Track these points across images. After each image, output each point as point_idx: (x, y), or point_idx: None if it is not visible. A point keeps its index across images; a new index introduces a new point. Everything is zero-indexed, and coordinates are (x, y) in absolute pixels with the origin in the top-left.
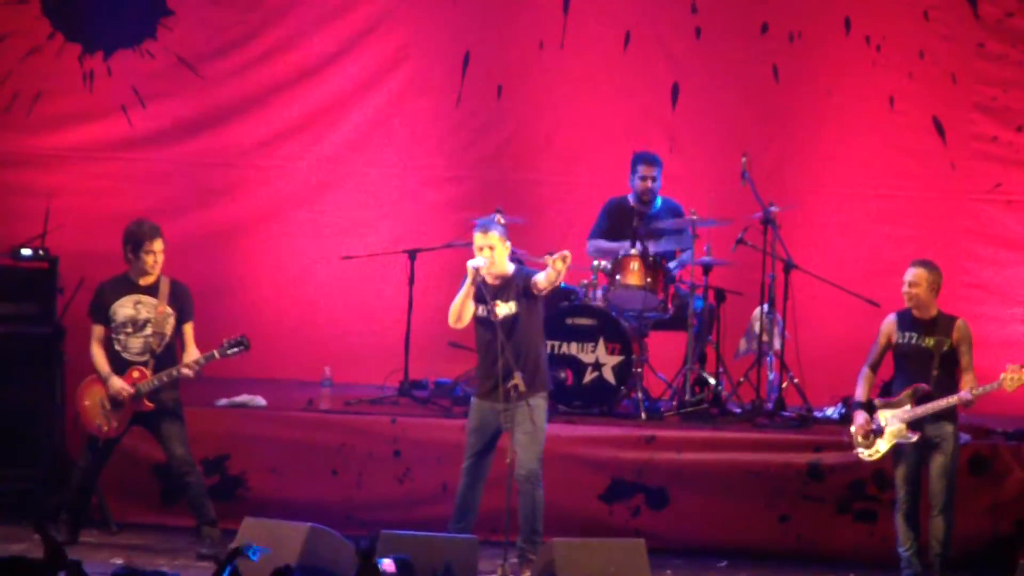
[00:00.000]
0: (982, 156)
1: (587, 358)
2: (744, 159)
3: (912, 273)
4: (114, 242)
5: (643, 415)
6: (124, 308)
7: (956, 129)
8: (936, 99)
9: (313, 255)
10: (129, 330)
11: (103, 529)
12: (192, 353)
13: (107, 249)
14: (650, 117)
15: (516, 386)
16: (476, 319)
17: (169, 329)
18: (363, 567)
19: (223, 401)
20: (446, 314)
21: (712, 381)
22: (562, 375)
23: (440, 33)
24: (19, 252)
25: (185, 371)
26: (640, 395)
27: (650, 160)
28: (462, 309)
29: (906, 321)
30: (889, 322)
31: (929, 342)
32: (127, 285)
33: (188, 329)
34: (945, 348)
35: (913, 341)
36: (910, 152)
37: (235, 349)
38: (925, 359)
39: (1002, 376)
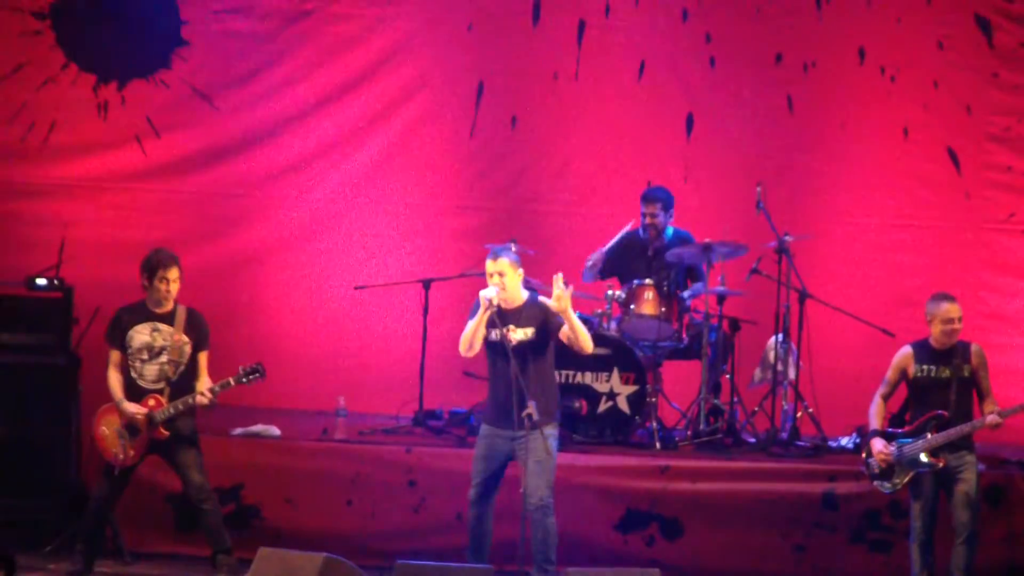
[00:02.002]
0: (996, 186)
1: (601, 388)
2: (759, 188)
3: (955, 310)
4: (128, 272)
5: (657, 445)
6: (141, 335)
7: (970, 159)
8: (950, 129)
9: (327, 285)
10: (145, 357)
11: (117, 559)
12: (205, 382)
13: (122, 279)
14: (665, 147)
15: (530, 415)
16: (488, 344)
17: (185, 357)
18: None
19: (238, 430)
20: (460, 343)
21: (726, 411)
22: (576, 405)
23: (454, 64)
24: (34, 282)
25: (200, 399)
26: (654, 425)
27: (650, 198)
28: (473, 337)
29: (923, 353)
30: (905, 354)
31: (946, 372)
32: (144, 312)
33: (203, 358)
34: (964, 374)
35: (932, 374)
36: (924, 182)
37: (251, 377)
38: (943, 389)
39: None
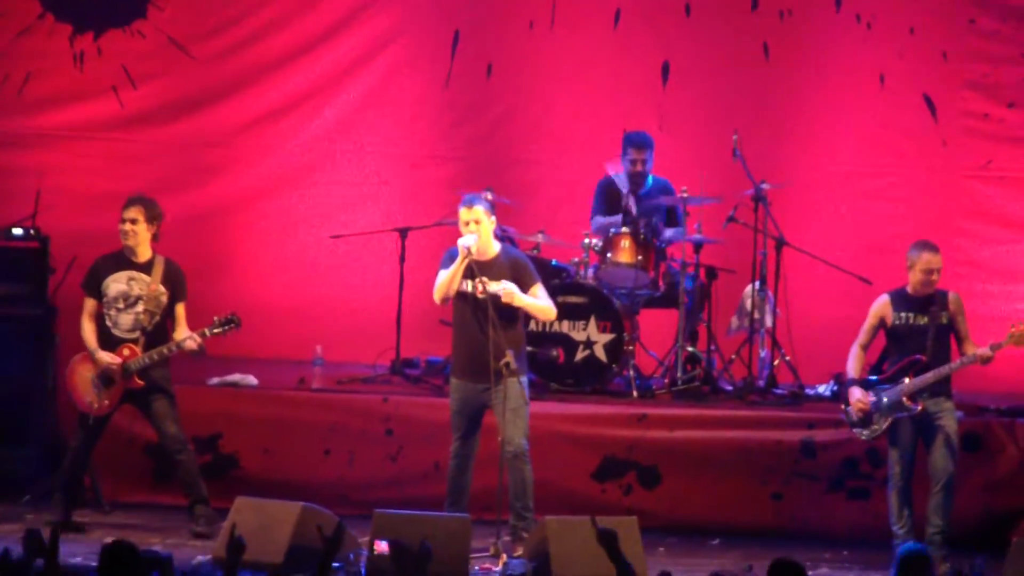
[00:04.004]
0: (973, 133)
1: (579, 336)
2: (735, 136)
3: (936, 260)
4: (105, 222)
5: (635, 393)
6: (117, 283)
7: (947, 106)
8: (927, 76)
9: (304, 234)
10: (120, 306)
11: (95, 508)
12: (184, 332)
13: (98, 229)
14: (641, 95)
15: (508, 363)
16: (459, 295)
17: (161, 308)
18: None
19: (215, 380)
20: (434, 291)
21: (703, 358)
22: (554, 353)
23: (430, 12)
24: (10, 232)
25: (189, 343)
26: (632, 373)
27: (640, 143)
28: (449, 286)
29: (901, 301)
30: (882, 303)
31: (923, 319)
32: (121, 261)
33: (180, 309)
34: (942, 321)
35: (910, 321)
36: (901, 129)
37: (226, 327)
38: (920, 336)
39: (1010, 332)
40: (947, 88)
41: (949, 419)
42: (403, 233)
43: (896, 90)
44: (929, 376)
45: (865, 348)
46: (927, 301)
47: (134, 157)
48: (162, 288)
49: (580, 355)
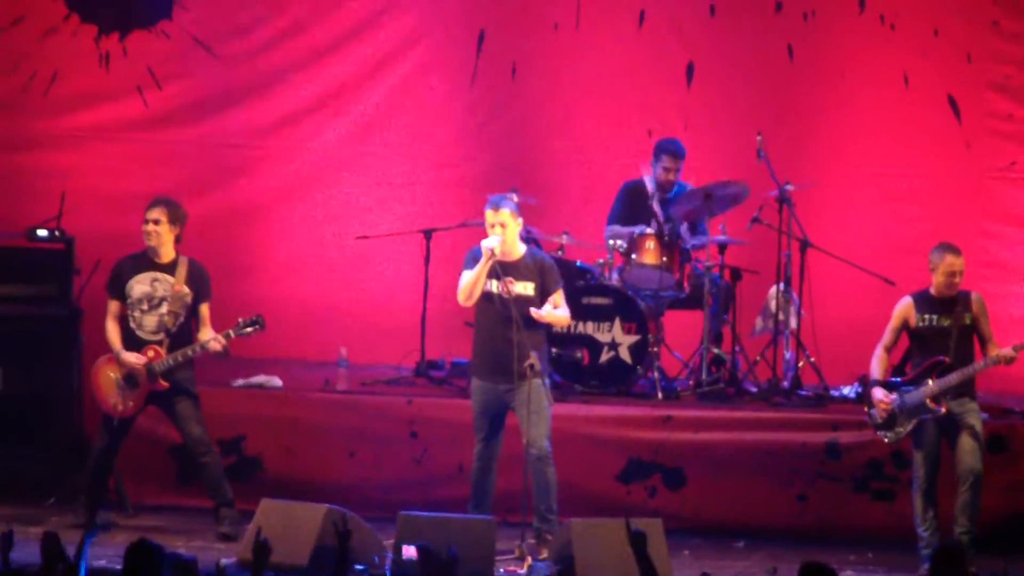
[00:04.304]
0: (997, 134)
1: (603, 338)
2: (759, 138)
3: (959, 263)
4: (130, 223)
5: (660, 395)
6: (141, 285)
7: (971, 107)
8: (951, 77)
9: (329, 235)
10: (144, 307)
11: (120, 511)
12: (208, 333)
13: (123, 230)
14: (665, 96)
15: (532, 365)
16: (484, 295)
17: (185, 309)
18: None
19: (239, 382)
20: (459, 292)
21: (728, 360)
22: (578, 355)
23: (455, 12)
24: (35, 233)
25: (214, 344)
26: (656, 375)
27: (676, 152)
28: (474, 287)
29: (924, 302)
30: (906, 304)
31: (947, 321)
32: (145, 262)
33: (204, 309)
34: (966, 322)
35: (934, 323)
36: (925, 131)
37: (250, 328)
38: (943, 337)
39: None
40: (971, 89)
41: (974, 419)
42: (428, 234)
43: (920, 91)
44: (952, 377)
45: (888, 350)
46: (950, 303)
47: (159, 158)
48: (186, 289)
49: (605, 357)
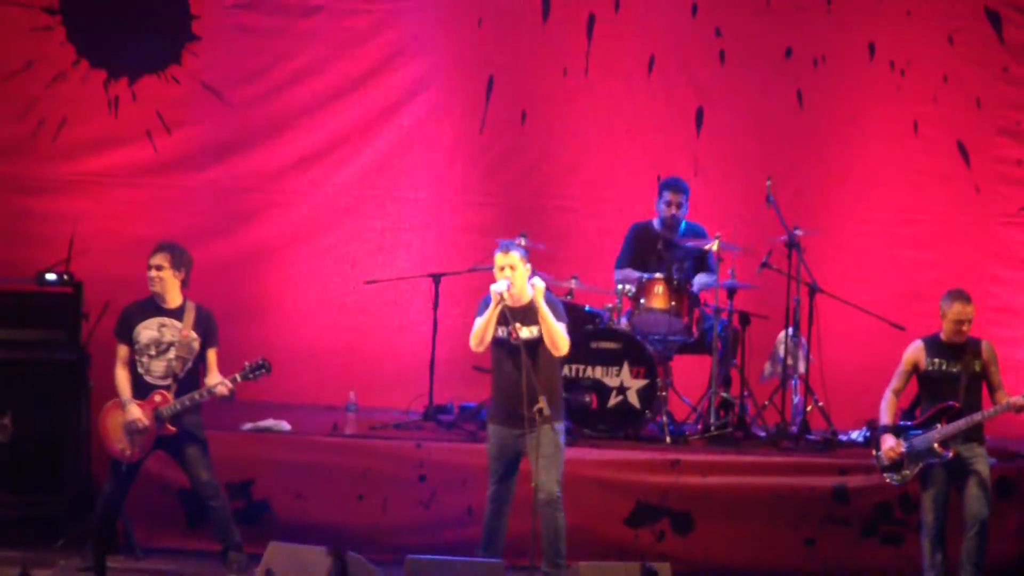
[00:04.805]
0: (1006, 180)
1: (612, 382)
2: (768, 182)
3: (968, 311)
4: (138, 267)
5: (668, 439)
6: (148, 330)
7: (980, 153)
8: (960, 123)
9: (338, 280)
10: (152, 352)
11: (128, 554)
12: (215, 378)
13: (131, 274)
14: (675, 142)
15: (541, 410)
16: (495, 341)
17: (193, 354)
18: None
19: (248, 426)
20: (470, 338)
21: (736, 404)
22: (587, 399)
23: (464, 59)
24: (44, 277)
25: (221, 388)
26: (665, 419)
27: (677, 187)
28: (485, 332)
29: (934, 347)
30: (916, 347)
31: (956, 366)
32: (152, 308)
33: (212, 355)
34: (975, 369)
35: (943, 367)
36: (935, 176)
37: (256, 372)
38: (953, 383)
39: None
40: (980, 135)
41: (982, 464)
42: (436, 279)
43: (930, 137)
44: (961, 423)
45: (898, 394)
46: (960, 349)
47: (168, 202)
48: (194, 334)
49: (613, 401)
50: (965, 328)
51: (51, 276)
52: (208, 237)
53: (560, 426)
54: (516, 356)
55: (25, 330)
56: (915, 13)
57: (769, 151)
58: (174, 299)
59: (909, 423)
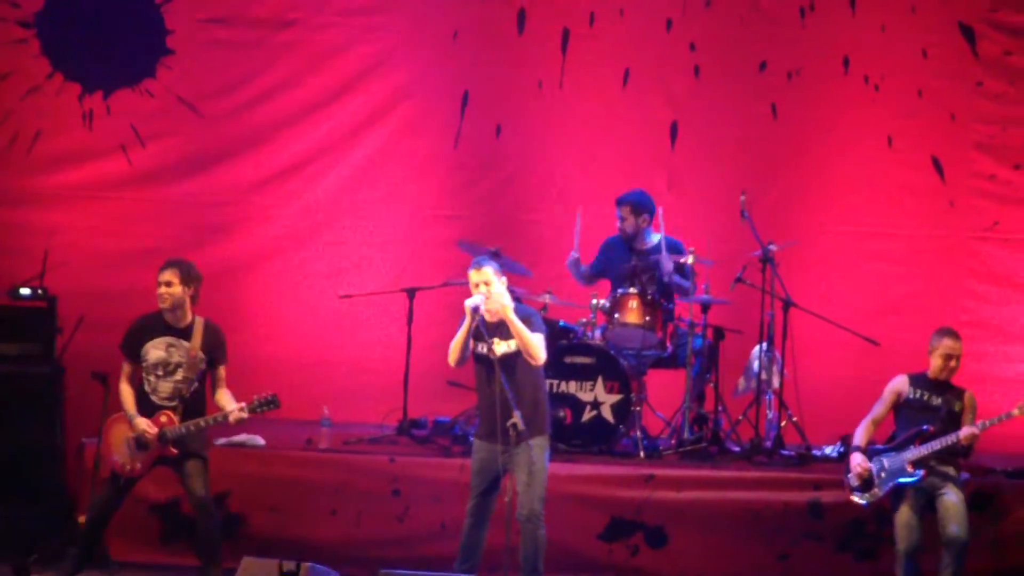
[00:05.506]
0: (981, 194)
1: (586, 397)
2: (743, 197)
3: (956, 347)
4: (113, 281)
5: (642, 454)
6: (156, 350)
7: (955, 167)
8: (935, 138)
9: (312, 294)
10: (160, 373)
11: (102, 569)
12: (224, 396)
13: (106, 288)
14: (649, 155)
15: (515, 425)
16: (475, 357)
17: (199, 374)
18: None
19: (222, 440)
20: (445, 353)
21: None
22: (561, 414)
23: (439, 73)
24: (18, 291)
25: (236, 415)
26: (639, 434)
27: (620, 201)
28: (461, 348)
29: (920, 382)
30: (901, 381)
31: (937, 400)
32: (161, 326)
33: (222, 371)
34: (955, 409)
35: (924, 398)
36: (909, 190)
37: (264, 408)
38: (930, 413)
39: (1018, 407)
40: (955, 149)
41: (954, 487)
42: (411, 293)
43: (904, 151)
44: (935, 443)
45: (876, 424)
46: (945, 387)
47: (143, 216)
48: (201, 353)
49: (587, 415)
50: (953, 364)
51: (25, 291)
52: (183, 250)
53: (544, 442)
54: (491, 371)
55: None
56: (890, 28)
57: (743, 165)
58: (184, 317)
59: (882, 445)
